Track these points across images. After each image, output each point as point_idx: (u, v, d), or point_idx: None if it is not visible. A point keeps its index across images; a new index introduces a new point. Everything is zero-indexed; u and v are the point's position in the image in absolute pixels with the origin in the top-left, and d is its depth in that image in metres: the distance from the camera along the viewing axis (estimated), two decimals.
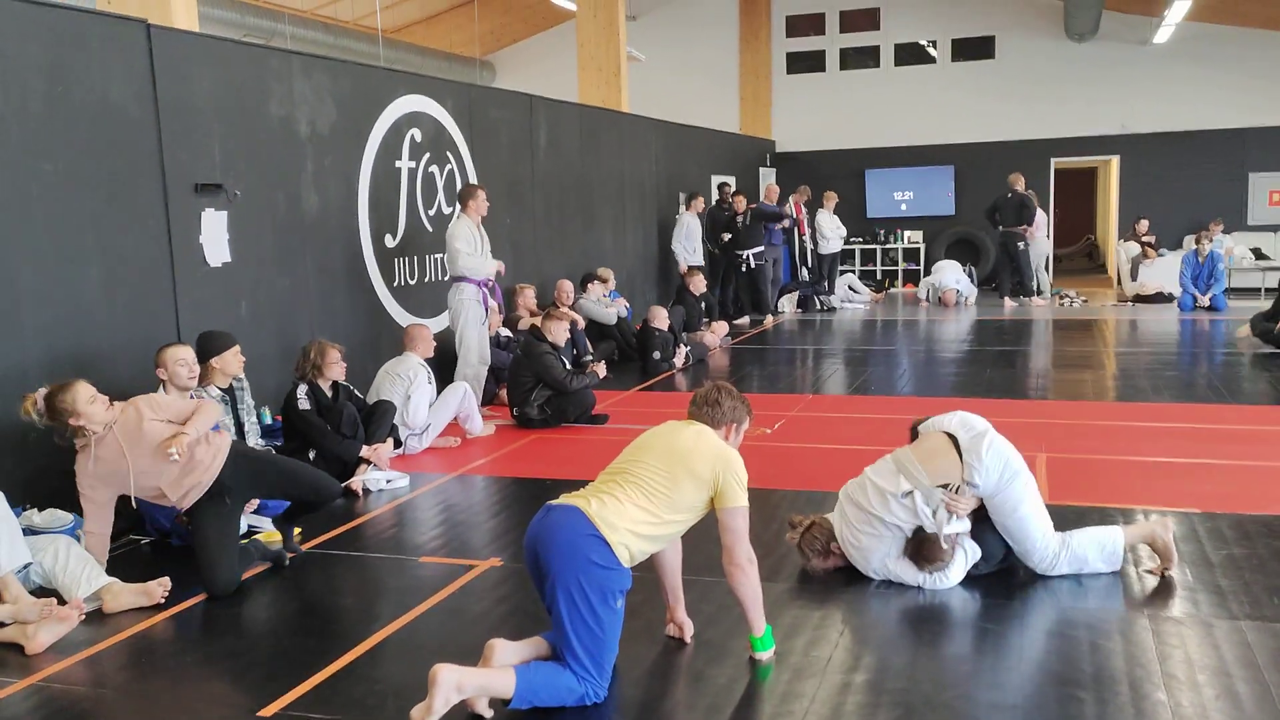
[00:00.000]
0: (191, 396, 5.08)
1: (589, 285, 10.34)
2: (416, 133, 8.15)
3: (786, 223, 13.80)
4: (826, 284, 14.87)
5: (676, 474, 3.34)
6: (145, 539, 5.06)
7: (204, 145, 6.05)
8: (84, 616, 4.02)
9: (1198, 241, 13.21)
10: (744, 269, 13.12)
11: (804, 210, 14.64)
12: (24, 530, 4.38)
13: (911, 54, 17.31)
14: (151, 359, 5.19)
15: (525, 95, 10.06)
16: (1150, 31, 15.65)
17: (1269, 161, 15.54)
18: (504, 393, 7.77)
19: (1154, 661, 3.43)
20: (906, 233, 17.18)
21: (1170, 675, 3.33)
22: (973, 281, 15.04)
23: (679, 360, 9.74)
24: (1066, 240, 20.20)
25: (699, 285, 11.44)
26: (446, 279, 7.89)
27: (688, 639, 3.67)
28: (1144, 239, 15.01)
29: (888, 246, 17.24)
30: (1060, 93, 16.38)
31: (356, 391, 6.23)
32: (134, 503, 4.46)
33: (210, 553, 4.29)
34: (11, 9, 4.96)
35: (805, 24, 17.77)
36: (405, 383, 6.62)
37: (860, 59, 17.51)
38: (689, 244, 12.78)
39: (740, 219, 12.99)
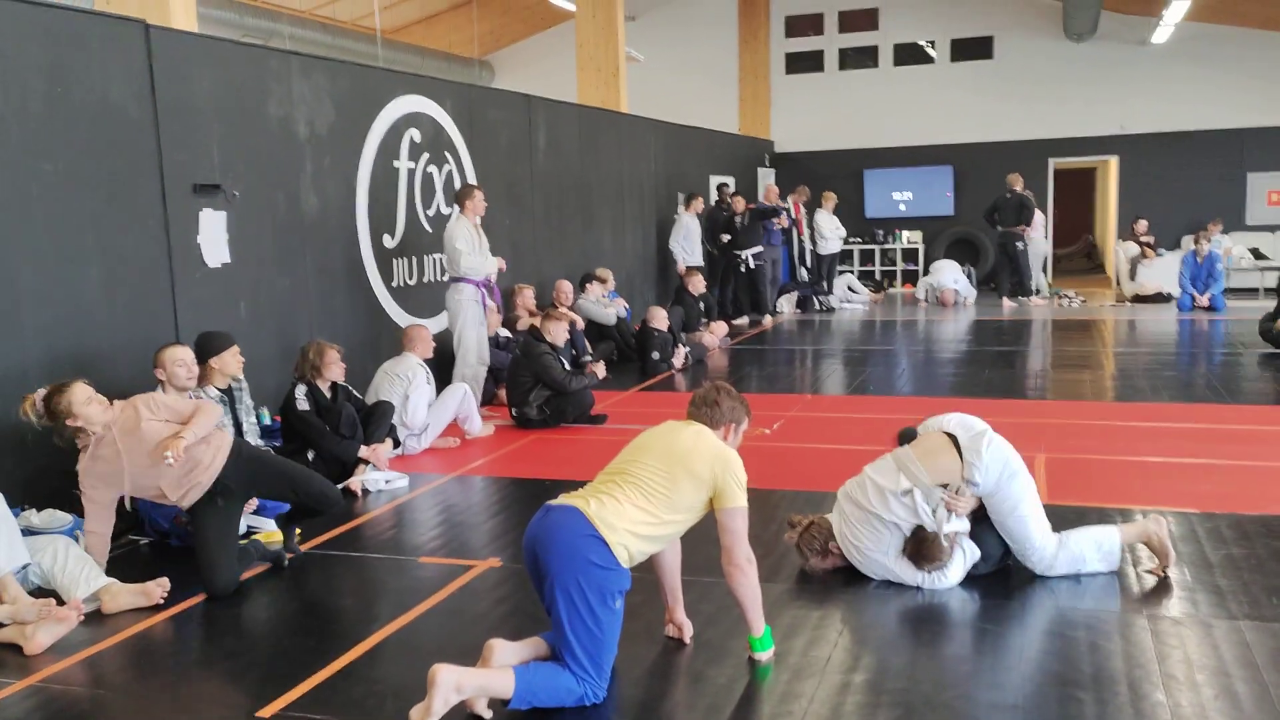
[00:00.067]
0: (190, 397, 5.07)
1: (588, 286, 10.34)
2: (415, 133, 8.15)
3: (785, 219, 13.79)
4: (825, 284, 14.87)
5: (675, 474, 3.34)
6: (144, 540, 5.06)
7: (203, 145, 6.05)
8: (83, 617, 4.02)
9: (1196, 242, 13.22)
10: (743, 269, 13.12)
11: (803, 210, 14.65)
12: (23, 531, 4.38)
13: (910, 54, 17.31)
14: (150, 359, 5.19)
15: (524, 96, 10.06)
16: (1149, 32, 15.65)
17: (1267, 161, 15.55)
18: (503, 393, 7.77)
19: (1153, 662, 3.44)
20: (905, 233, 17.18)
21: (1169, 675, 3.34)
22: (971, 282, 15.04)
23: (678, 361, 9.74)
24: (1065, 240, 20.19)
25: (698, 286, 11.44)
26: (445, 279, 7.89)
27: (687, 639, 3.68)
28: (1143, 239, 15.01)
29: (886, 247, 17.24)
30: (1059, 93, 16.38)
31: (355, 392, 6.23)
32: (127, 504, 4.45)
33: (210, 552, 4.29)
34: (11, 9, 4.96)
35: (804, 24, 17.76)
36: (404, 383, 6.62)
37: (859, 59, 17.51)
38: (688, 244, 12.78)
39: (739, 219, 13.00)
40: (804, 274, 14.71)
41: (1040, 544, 4.13)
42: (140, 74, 5.64)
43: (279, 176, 6.69)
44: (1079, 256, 20.67)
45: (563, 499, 3.33)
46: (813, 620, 3.86)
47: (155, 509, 4.89)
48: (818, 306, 14.35)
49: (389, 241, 7.84)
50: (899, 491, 4.06)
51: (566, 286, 9.86)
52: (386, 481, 5.94)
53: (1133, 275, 14.70)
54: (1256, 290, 14.18)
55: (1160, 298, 13.93)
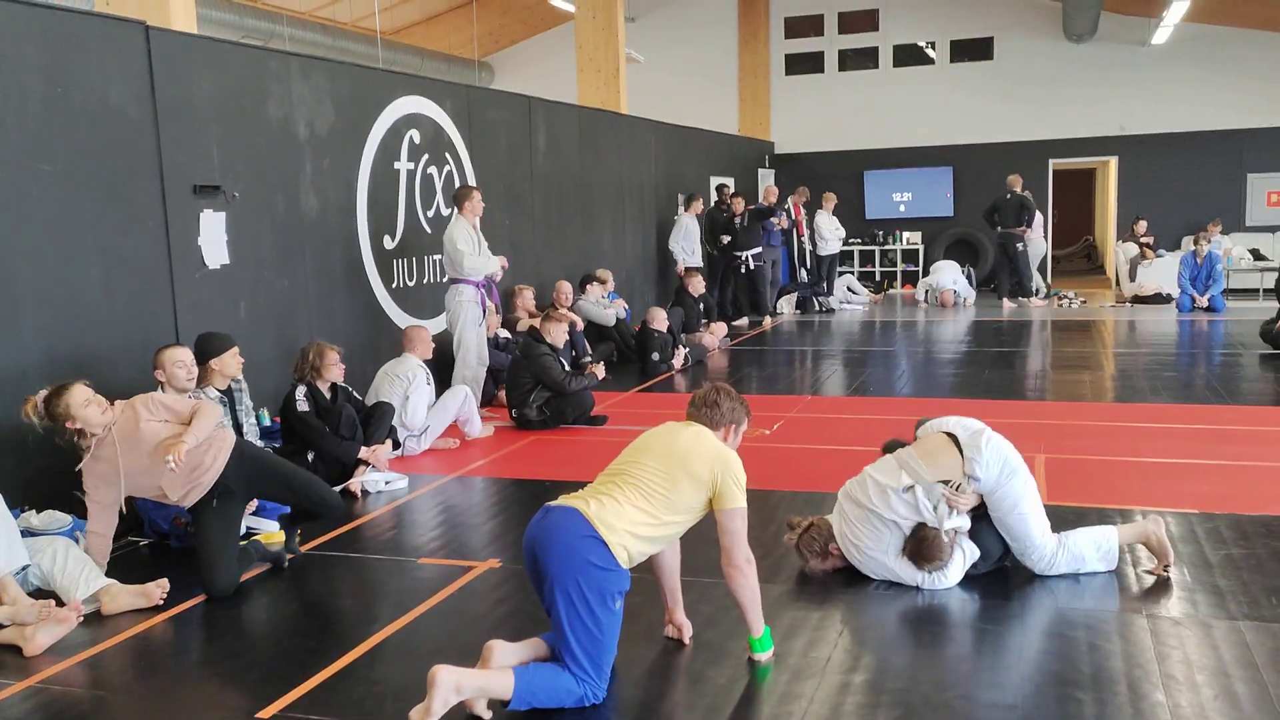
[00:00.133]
0: (190, 398, 5.07)
1: (588, 286, 10.34)
2: (415, 134, 8.16)
3: (784, 220, 13.80)
4: (825, 285, 14.88)
5: (675, 475, 3.34)
6: (143, 541, 5.06)
7: (203, 147, 6.05)
8: (82, 618, 4.02)
9: (1196, 242, 13.23)
10: (743, 270, 13.13)
11: (803, 212, 14.66)
12: (22, 532, 4.38)
13: (910, 55, 17.32)
14: (150, 360, 5.19)
15: (524, 97, 10.06)
16: (1148, 32, 15.66)
17: (1267, 162, 15.56)
18: (502, 394, 7.77)
19: (1152, 662, 3.44)
20: (905, 234, 17.18)
21: (1169, 675, 3.34)
22: (971, 283, 15.04)
23: (678, 361, 9.74)
24: (1065, 241, 20.21)
25: (698, 286, 11.44)
26: (445, 280, 7.89)
27: (686, 640, 3.67)
28: (1142, 240, 15.02)
29: (886, 248, 17.25)
30: (1059, 94, 16.40)
31: (355, 393, 6.23)
32: (123, 507, 4.45)
33: (211, 553, 4.29)
34: (10, 10, 4.96)
35: (804, 25, 17.77)
36: (404, 384, 6.62)
37: (859, 60, 17.51)
38: (687, 245, 12.79)
39: (739, 220, 13.00)
40: (804, 275, 14.72)
41: (1040, 542, 4.13)
42: (140, 75, 5.65)
43: (279, 177, 6.69)
44: (1078, 257, 20.68)
45: (562, 500, 3.33)
46: (812, 621, 3.86)
47: (155, 510, 4.89)
48: (817, 307, 14.35)
49: (389, 243, 7.84)
50: (901, 488, 4.07)
51: (566, 287, 9.86)
52: (386, 483, 5.94)
53: (1132, 276, 14.71)
54: (1256, 291, 14.18)
55: (1160, 298, 13.93)
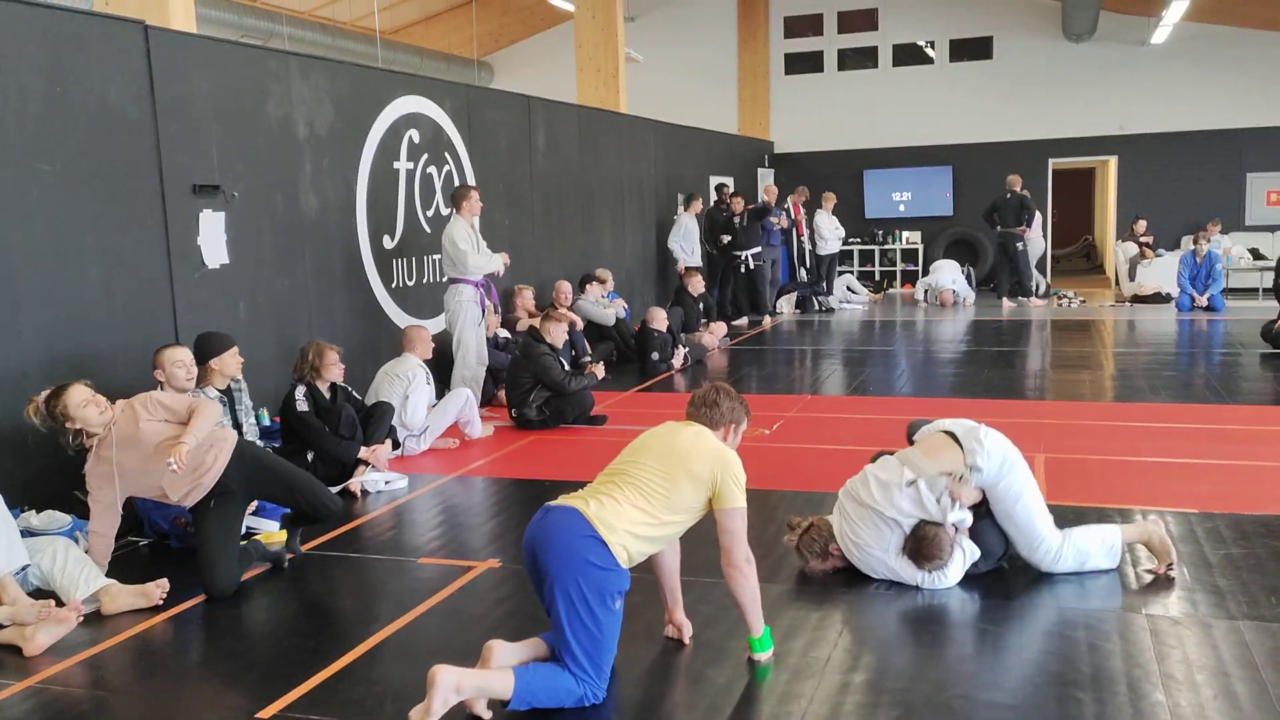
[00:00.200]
0: (189, 397, 5.07)
1: (587, 286, 10.34)
2: (415, 134, 8.15)
3: (784, 220, 13.81)
4: (825, 285, 14.89)
5: (675, 475, 3.34)
6: (143, 541, 5.06)
7: (202, 146, 6.05)
8: (82, 618, 4.02)
9: (1195, 242, 13.23)
10: (742, 270, 13.13)
11: (802, 211, 14.66)
12: (22, 532, 4.38)
13: (909, 54, 17.31)
14: (150, 360, 5.19)
15: (523, 96, 10.06)
16: (1148, 32, 15.66)
17: (1266, 162, 15.56)
18: (502, 394, 7.77)
19: (1152, 662, 3.44)
20: (905, 233, 17.19)
21: (1168, 675, 3.34)
22: (970, 282, 15.05)
23: (677, 361, 9.74)
24: (1064, 241, 20.22)
25: (697, 286, 11.44)
26: (444, 280, 7.88)
27: (686, 640, 3.68)
28: (1142, 239, 15.02)
29: (886, 247, 17.25)
30: (1058, 93, 16.40)
31: (355, 393, 6.22)
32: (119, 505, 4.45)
33: (211, 553, 4.29)
34: (9, 10, 4.96)
35: (803, 25, 17.77)
36: (404, 383, 6.62)
37: (858, 60, 17.51)
38: (687, 244, 12.79)
39: (738, 220, 13.01)
40: (803, 274, 14.73)
41: (1046, 535, 4.15)
42: (139, 75, 5.65)
43: (278, 177, 6.69)
44: (1078, 257, 20.68)
45: (562, 500, 3.33)
46: (812, 621, 3.86)
47: (155, 510, 4.89)
48: (817, 307, 14.35)
49: (388, 242, 7.84)
50: (903, 483, 4.08)
51: (566, 287, 9.86)
52: (386, 482, 5.94)
53: (1132, 275, 14.71)
54: (1256, 290, 14.19)
55: (1159, 298, 13.93)
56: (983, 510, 4.19)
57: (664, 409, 7.51)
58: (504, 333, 8.67)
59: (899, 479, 4.11)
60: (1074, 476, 5.63)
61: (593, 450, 6.56)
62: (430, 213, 8.34)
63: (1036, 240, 15.05)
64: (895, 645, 3.74)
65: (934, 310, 14.23)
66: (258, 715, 3.24)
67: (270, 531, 4.97)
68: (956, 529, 4.12)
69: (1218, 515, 4.90)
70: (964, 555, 4.13)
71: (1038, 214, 14.86)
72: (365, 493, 5.81)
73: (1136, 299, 14.17)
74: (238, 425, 5.48)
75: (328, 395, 5.96)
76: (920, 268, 16.72)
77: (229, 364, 5.48)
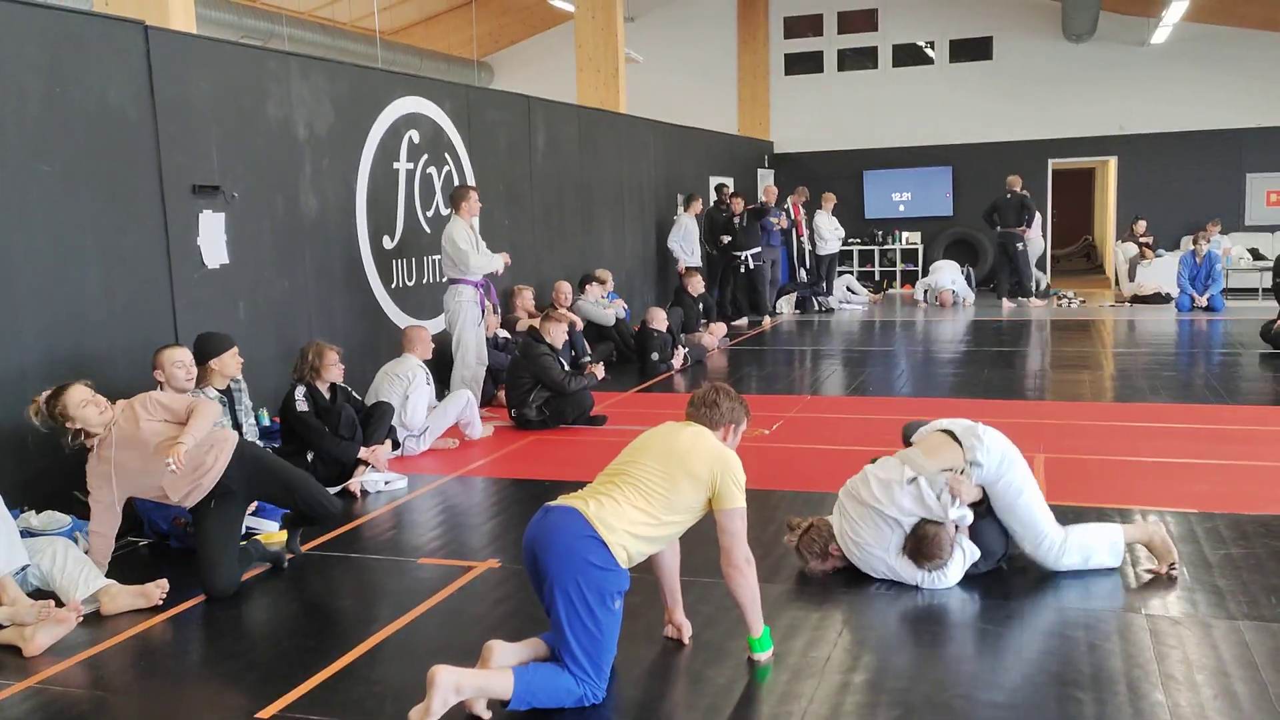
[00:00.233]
0: (188, 397, 5.07)
1: (587, 286, 10.34)
2: (414, 134, 8.15)
3: (784, 220, 13.81)
4: (824, 285, 14.88)
5: (674, 475, 3.34)
6: (143, 541, 5.06)
7: (202, 147, 6.05)
8: (82, 618, 4.02)
9: (1195, 242, 13.23)
10: (742, 270, 13.13)
11: (802, 211, 14.66)
12: (22, 532, 4.38)
13: (909, 55, 17.32)
14: (149, 361, 5.19)
15: (523, 96, 10.06)
16: (1148, 32, 15.66)
17: (1266, 162, 15.56)
18: (502, 394, 7.77)
19: (1152, 662, 3.44)
20: (904, 234, 17.19)
21: (1168, 675, 3.34)
22: (970, 283, 15.05)
23: (677, 361, 9.74)
24: (1064, 241, 20.21)
25: (697, 286, 11.44)
26: (444, 280, 7.88)
27: (686, 640, 3.67)
28: (1141, 239, 15.03)
29: (886, 247, 17.26)
30: (1058, 94, 16.40)
31: (354, 393, 6.22)
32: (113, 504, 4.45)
33: (211, 554, 4.29)
34: (9, 10, 4.96)
35: (803, 25, 17.77)
36: (404, 383, 6.62)
37: (858, 60, 17.52)
38: (686, 245, 12.79)
39: (738, 220, 13.01)
40: (803, 275, 14.73)
41: (1048, 529, 4.16)
42: (139, 75, 5.65)
43: (278, 178, 6.69)
44: (1078, 257, 20.68)
45: (562, 500, 3.33)
46: (812, 621, 3.86)
47: (155, 510, 4.88)
48: (817, 307, 14.35)
49: (388, 243, 7.84)
50: (904, 481, 4.08)
51: (565, 287, 9.86)
52: (386, 483, 5.94)
53: (1131, 276, 14.71)
54: (1255, 291, 14.19)
55: (1159, 298, 13.94)
56: (983, 509, 4.19)
57: (664, 409, 7.51)
58: (504, 333, 8.67)
59: (900, 477, 4.12)
60: (1074, 477, 5.63)
61: (592, 450, 6.56)
62: (430, 213, 8.34)
63: (1036, 240, 15.05)
64: (895, 645, 3.74)
65: (934, 310, 14.23)
66: (257, 715, 3.24)
67: (270, 531, 4.98)
68: (957, 527, 4.12)
69: (1217, 515, 4.90)
70: (964, 555, 4.13)
71: (1038, 214, 14.86)
72: (365, 493, 5.81)
73: (1136, 299, 14.17)
74: (237, 425, 5.48)
75: (327, 395, 5.96)
76: (920, 268, 16.72)
77: (229, 364, 5.48)
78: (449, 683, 3.01)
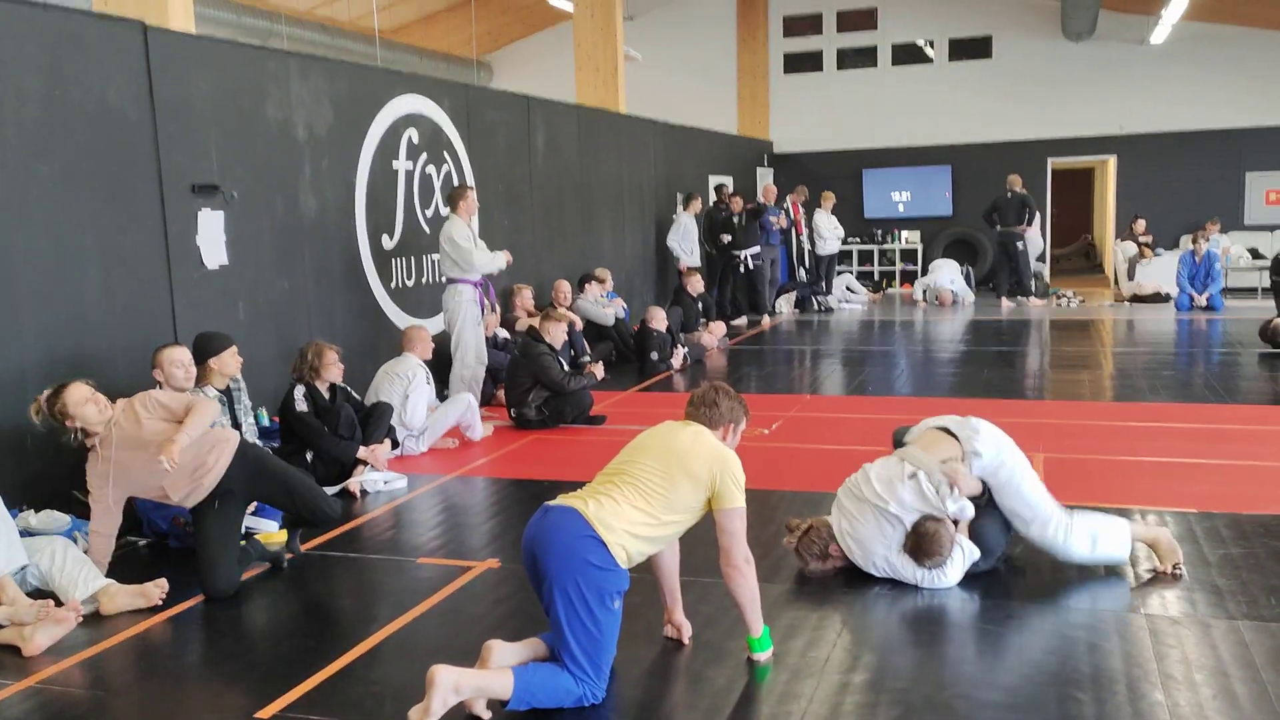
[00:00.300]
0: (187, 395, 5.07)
1: (586, 286, 10.34)
2: (414, 133, 8.15)
3: (783, 219, 13.81)
4: (824, 284, 14.88)
5: (674, 475, 3.34)
6: (142, 541, 5.06)
7: (201, 147, 6.05)
8: (81, 618, 4.02)
9: (1194, 241, 13.24)
10: (742, 269, 13.13)
11: (801, 211, 14.66)
12: (21, 532, 4.38)
13: (909, 54, 17.31)
14: (149, 360, 5.19)
15: (522, 96, 10.06)
16: (1147, 31, 15.66)
17: (1266, 161, 15.56)
18: (501, 394, 7.77)
19: (1151, 661, 3.44)
20: (904, 233, 17.19)
21: (1168, 675, 3.34)
22: (970, 282, 15.04)
23: (677, 361, 9.74)
24: (1064, 240, 20.21)
25: (696, 286, 11.44)
26: (443, 280, 7.88)
27: (686, 640, 3.68)
28: (1141, 239, 15.03)
29: (885, 247, 17.25)
30: (1057, 93, 16.39)
31: (354, 393, 6.22)
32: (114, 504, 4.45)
33: (211, 553, 4.29)
34: (8, 10, 4.96)
35: (802, 24, 17.77)
36: (404, 383, 6.62)
37: (858, 59, 17.51)
38: (685, 244, 12.79)
39: (737, 220, 13.01)
40: (803, 274, 14.72)
41: (1054, 511, 4.16)
42: (138, 75, 5.64)
43: (277, 177, 6.69)
44: (1077, 256, 20.69)
45: (561, 499, 3.33)
46: (812, 621, 3.86)
47: (154, 510, 4.88)
48: (816, 307, 14.35)
49: (387, 242, 7.84)
50: (904, 476, 4.09)
51: (565, 287, 9.85)
52: (385, 482, 5.93)
53: (1131, 275, 14.72)
54: (1254, 290, 14.19)
55: (1158, 297, 13.94)
56: (983, 502, 4.20)
57: (663, 409, 7.50)
58: (503, 332, 8.67)
59: (900, 473, 4.13)
60: (1073, 476, 5.63)
61: (592, 450, 6.56)
62: (429, 212, 8.34)
63: (1035, 239, 15.05)
64: (895, 645, 3.74)
65: (933, 310, 14.23)
66: (257, 715, 3.24)
67: (270, 531, 4.97)
68: (957, 523, 4.12)
69: (1217, 515, 4.90)
70: (964, 555, 4.14)
71: (1038, 213, 14.86)
72: (364, 492, 5.81)
73: (1136, 298, 14.17)
74: (237, 425, 5.48)
75: (327, 395, 5.95)
76: (919, 267, 16.72)
77: (228, 364, 5.48)
78: (448, 682, 3.01)
